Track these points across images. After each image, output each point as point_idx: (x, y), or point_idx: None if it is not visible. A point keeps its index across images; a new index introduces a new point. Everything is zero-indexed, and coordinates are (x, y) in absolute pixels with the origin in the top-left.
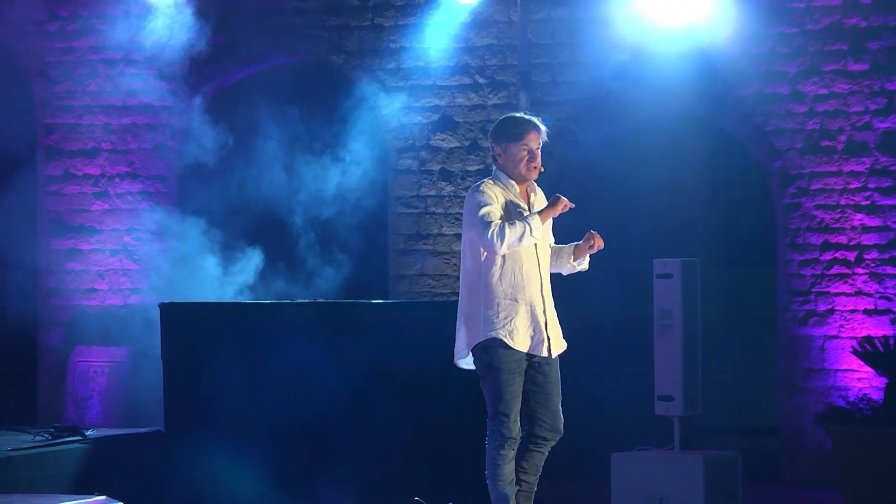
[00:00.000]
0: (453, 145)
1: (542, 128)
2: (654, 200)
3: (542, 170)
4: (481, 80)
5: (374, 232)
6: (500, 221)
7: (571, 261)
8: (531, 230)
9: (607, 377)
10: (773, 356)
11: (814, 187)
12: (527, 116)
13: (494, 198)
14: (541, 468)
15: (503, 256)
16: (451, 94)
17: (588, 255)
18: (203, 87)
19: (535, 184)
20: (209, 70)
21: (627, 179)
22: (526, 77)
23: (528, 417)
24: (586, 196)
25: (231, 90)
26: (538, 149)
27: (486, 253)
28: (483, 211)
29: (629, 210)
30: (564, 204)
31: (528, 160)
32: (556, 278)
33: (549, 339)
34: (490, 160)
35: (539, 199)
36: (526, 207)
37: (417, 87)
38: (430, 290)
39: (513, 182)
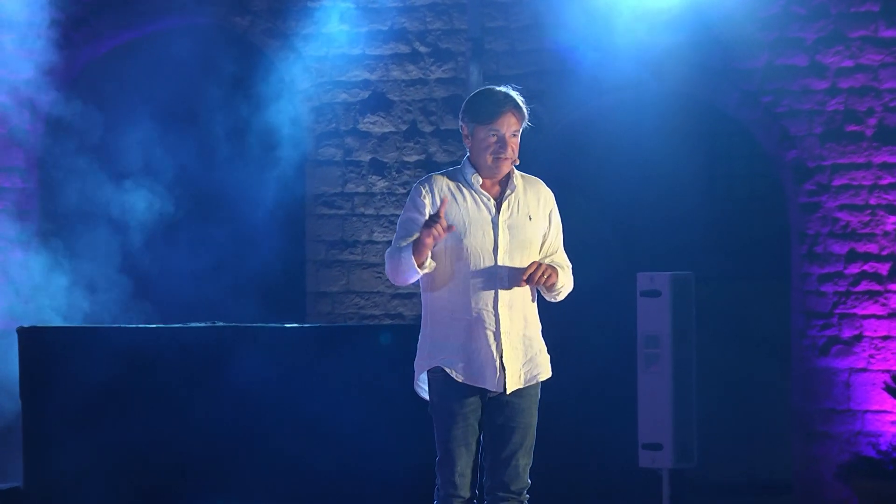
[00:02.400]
0: (387, 130)
1: (523, 109)
2: (638, 200)
3: (518, 162)
4: (422, 49)
5: (288, 239)
6: (404, 244)
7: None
8: (404, 264)
9: (580, 420)
10: (785, 394)
11: (837, 183)
12: (505, 91)
13: (427, 199)
14: None
15: (451, 264)
16: (385, 66)
17: (549, 282)
18: (72, 55)
19: (530, 176)
20: (79, 35)
21: (604, 173)
22: (478, 45)
23: (485, 468)
24: (554, 192)
25: (106, 60)
26: (514, 136)
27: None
28: (399, 221)
29: (606, 211)
30: (429, 229)
31: (495, 149)
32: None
33: (503, 369)
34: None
35: (526, 197)
36: (491, 208)
37: (341, 56)
38: (359, 310)
39: (474, 171)
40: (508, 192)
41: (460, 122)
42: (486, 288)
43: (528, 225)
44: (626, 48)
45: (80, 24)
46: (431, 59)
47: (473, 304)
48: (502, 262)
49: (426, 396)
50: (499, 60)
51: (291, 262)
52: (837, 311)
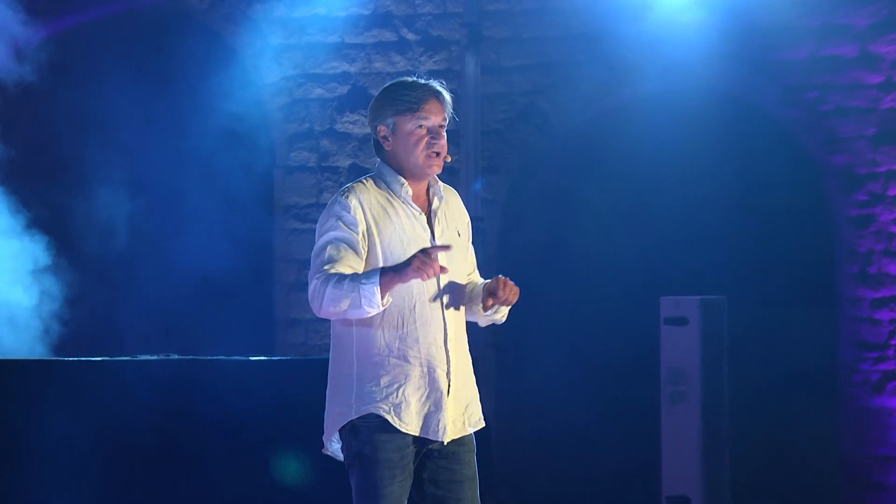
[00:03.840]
0: (369, 131)
1: (446, 95)
2: (661, 212)
3: (450, 159)
4: (410, 36)
5: (255, 258)
6: (336, 269)
7: (481, 309)
8: (363, 300)
9: (594, 468)
10: (833, 438)
11: (893, 192)
12: (422, 80)
13: (359, 214)
14: None
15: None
16: (367, 57)
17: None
18: (11, 40)
19: (444, 183)
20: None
21: (621, 182)
22: (475, 31)
23: None
24: (560, 205)
25: (48, 47)
26: (442, 127)
27: None
28: (324, 240)
29: (623, 226)
30: (424, 266)
31: (427, 143)
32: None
33: (454, 411)
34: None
35: (451, 209)
36: (424, 225)
37: (317, 45)
38: None
39: (402, 180)
40: (437, 203)
41: (374, 124)
42: (434, 320)
43: (458, 242)
44: (648, 36)
45: (18, 7)
46: (421, 49)
47: (422, 341)
48: (443, 286)
49: (340, 455)
50: (499, 49)
51: (257, 284)
52: (894, 341)
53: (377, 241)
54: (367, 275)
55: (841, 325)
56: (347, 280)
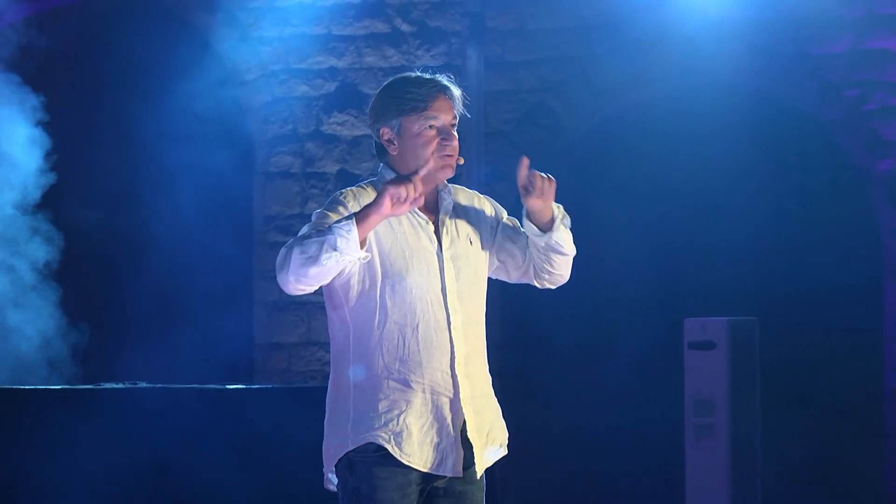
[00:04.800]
0: (359, 133)
1: (455, 91)
2: (684, 223)
3: (462, 161)
4: (405, 27)
5: (232, 275)
6: (314, 231)
7: (535, 235)
8: (338, 240)
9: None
10: (878, 475)
11: None
12: (428, 75)
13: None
14: None
15: (383, 308)
16: (357, 50)
17: (546, 207)
18: None
19: (452, 185)
20: None
21: (641, 190)
22: (477, 22)
23: None
24: (572, 216)
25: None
26: (453, 126)
27: (354, 300)
28: (315, 216)
29: (643, 239)
30: (398, 188)
31: (439, 145)
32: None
33: (465, 446)
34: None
35: (462, 214)
36: (431, 235)
37: (300, 37)
38: (323, 367)
39: None
40: (443, 210)
41: (377, 126)
42: (439, 344)
43: (471, 252)
44: (671, 26)
45: None
46: (417, 41)
47: (425, 365)
48: (453, 307)
49: (334, 487)
50: (504, 42)
51: (237, 305)
52: None
53: (375, 251)
54: (343, 217)
55: (886, 351)
56: (321, 232)
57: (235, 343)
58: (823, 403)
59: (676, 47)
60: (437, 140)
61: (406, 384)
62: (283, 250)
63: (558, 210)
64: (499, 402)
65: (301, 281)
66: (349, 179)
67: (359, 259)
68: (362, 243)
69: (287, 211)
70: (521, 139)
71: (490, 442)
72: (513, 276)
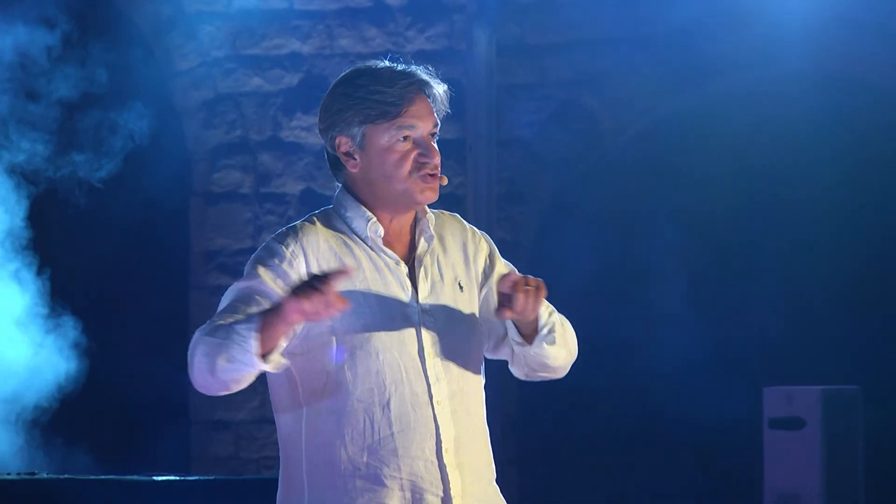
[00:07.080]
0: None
1: (437, 87)
2: (762, 259)
3: (445, 182)
4: (392, 1)
5: (160, 329)
6: (231, 319)
7: (513, 338)
8: (236, 349)
9: None
10: None
11: None
12: (399, 66)
13: (296, 265)
14: None
15: (341, 383)
16: (327, 30)
17: (528, 321)
18: None
19: (436, 211)
20: None
21: (701, 210)
22: None
23: None
24: (615, 248)
25: None
26: (434, 135)
27: (302, 371)
28: (230, 291)
29: (703, 278)
30: (312, 298)
31: (416, 163)
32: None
33: None
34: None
35: (448, 250)
36: (404, 280)
37: (253, 13)
38: (278, 452)
39: (370, 216)
40: (424, 245)
41: (331, 134)
42: (419, 424)
43: (460, 300)
44: (744, 8)
45: None
46: (408, 18)
47: (402, 453)
48: (435, 375)
49: None
50: (522, 21)
51: (165, 370)
52: None
53: None
54: (250, 317)
55: None
56: (222, 330)
57: (166, 420)
58: None
59: (749, 30)
60: (413, 155)
61: (378, 481)
62: (193, 338)
63: (547, 316)
64: (512, 497)
65: (212, 391)
66: (317, 202)
67: (266, 368)
68: (267, 353)
69: (234, 245)
70: (546, 148)
71: None
72: (490, 351)
